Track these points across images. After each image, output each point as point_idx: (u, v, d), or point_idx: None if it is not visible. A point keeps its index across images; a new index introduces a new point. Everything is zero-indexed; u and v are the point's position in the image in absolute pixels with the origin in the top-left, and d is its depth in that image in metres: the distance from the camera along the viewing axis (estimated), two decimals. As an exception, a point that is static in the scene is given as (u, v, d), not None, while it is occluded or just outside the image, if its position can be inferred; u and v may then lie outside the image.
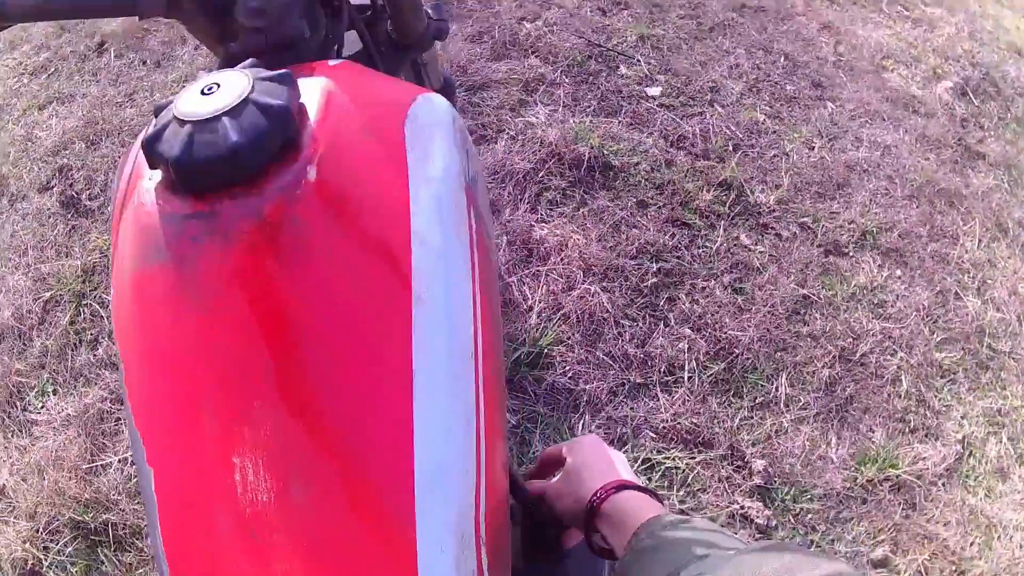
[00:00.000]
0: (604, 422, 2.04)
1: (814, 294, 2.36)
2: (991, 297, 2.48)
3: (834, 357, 2.22)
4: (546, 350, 2.15)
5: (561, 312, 2.23)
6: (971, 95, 3.27)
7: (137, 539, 1.87)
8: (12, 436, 2.11)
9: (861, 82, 3.22)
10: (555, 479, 0.95)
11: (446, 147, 0.75)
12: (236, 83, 0.61)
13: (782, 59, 3.23)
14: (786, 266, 2.42)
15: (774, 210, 2.58)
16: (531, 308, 2.24)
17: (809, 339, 2.26)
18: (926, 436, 2.12)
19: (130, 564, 1.84)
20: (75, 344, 2.29)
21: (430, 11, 1.26)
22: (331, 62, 0.79)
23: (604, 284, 2.30)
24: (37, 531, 1.90)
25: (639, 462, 1.97)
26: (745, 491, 1.94)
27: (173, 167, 0.58)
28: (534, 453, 1.95)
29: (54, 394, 2.19)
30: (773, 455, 2.01)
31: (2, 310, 2.40)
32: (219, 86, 0.61)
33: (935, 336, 2.34)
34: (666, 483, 1.94)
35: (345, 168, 0.63)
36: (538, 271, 2.33)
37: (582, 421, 2.03)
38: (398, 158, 0.69)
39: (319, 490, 0.57)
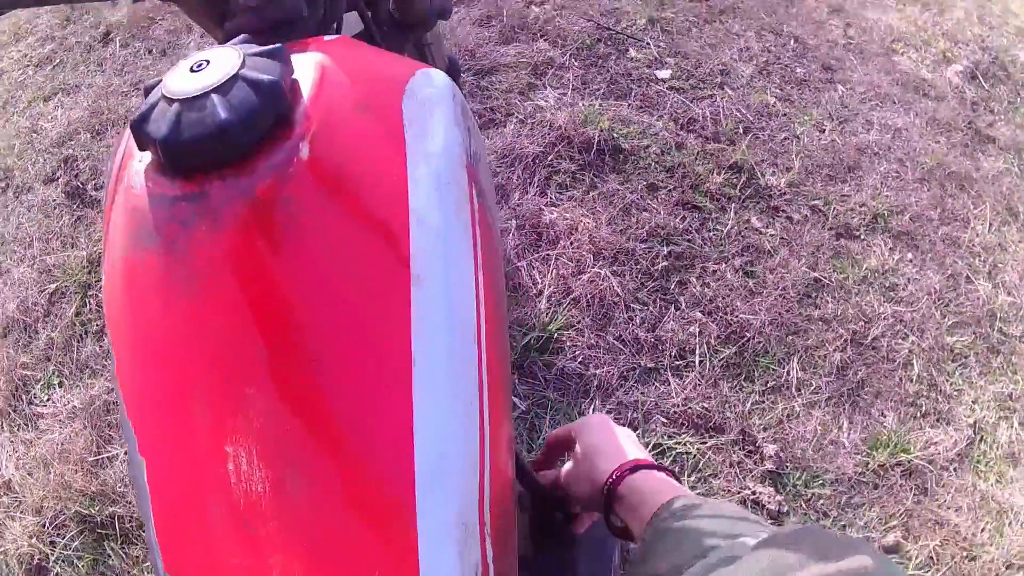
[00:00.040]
0: (615, 407, 2.02)
1: (825, 277, 2.34)
2: (1002, 281, 2.46)
3: (846, 341, 2.20)
4: (556, 335, 2.13)
5: (571, 296, 2.21)
6: (981, 79, 3.25)
7: (144, 532, 1.86)
8: (18, 430, 2.11)
9: (871, 65, 3.19)
10: (567, 465, 0.94)
11: (446, 123, 0.73)
12: (226, 59, 0.59)
13: (792, 42, 3.20)
14: (797, 249, 2.40)
15: (785, 193, 2.56)
16: (541, 292, 2.22)
17: (820, 323, 2.24)
18: (937, 421, 2.10)
19: (137, 557, 1.84)
20: (81, 336, 2.28)
21: None
22: (326, 38, 0.77)
23: (614, 268, 2.28)
24: (43, 526, 1.90)
25: (650, 447, 1.95)
26: (756, 476, 1.92)
27: (161, 147, 0.56)
28: (543, 439, 1.94)
29: (60, 386, 2.18)
30: (785, 440, 1.99)
31: (8, 303, 2.39)
32: (209, 63, 0.59)
33: (946, 320, 2.32)
34: (677, 469, 1.93)
35: (340, 145, 0.61)
36: (548, 255, 2.31)
37: (592, 406, 2.02)
38: (396, 135, 0.67)
39: (314, 479, 0.55)
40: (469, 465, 0.62)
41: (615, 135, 2.63)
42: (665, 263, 2.30)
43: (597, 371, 2.07)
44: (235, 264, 0.56)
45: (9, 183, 2.81)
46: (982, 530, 1.91)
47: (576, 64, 2.93)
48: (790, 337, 2.19)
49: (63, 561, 1.86)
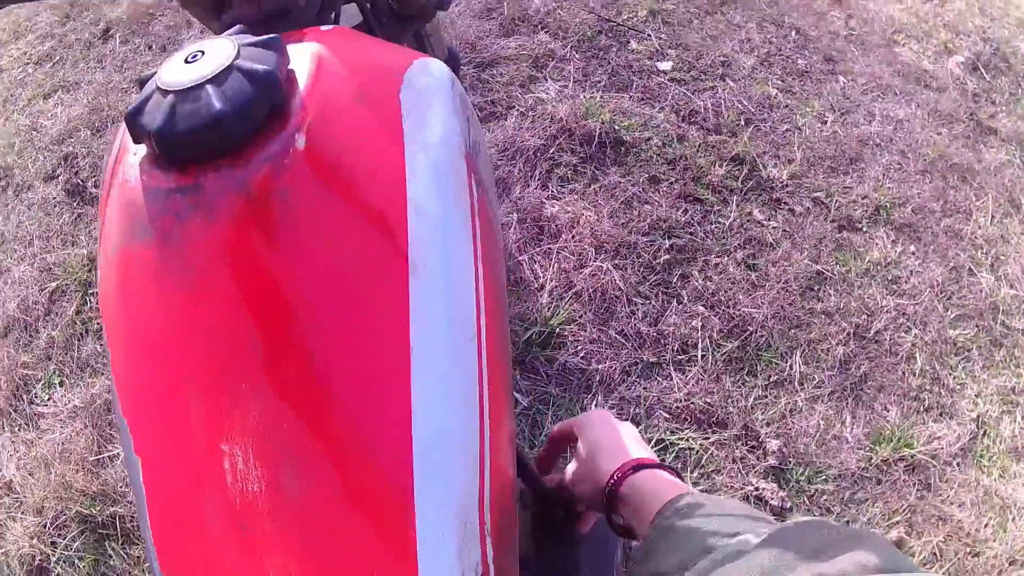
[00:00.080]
0: (617, 402, 2.02)
1: (828, 270, 2.34)
2: (1004, 273, 2.46)
3: (848, 334, 2.20)
4: (558, 329, 2.13)
5: (573, 290, 2.21)
6: (982, 70, 3.24)
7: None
8: (19, 430, 2.11)
9: (873, 56, 3.19)
10: (570, 465, 0.94)
11: (444, 113, 0.72)
12: (221, 50, 0.59)
13: (793, 33, 3.19)
14: (799, 242, 2.39)
15: (787, 185, 2.55)
16: (542, 287, 2.22)
17: (823, 316, 2.23)
18: (941, 415, 2.10)
19: (138, 558, 1.83)
20: (81, 334, 2.28)
21: None
22: (323, 28, 0.76)
23: (616, 261, 2.27)
24: (44, 526, 1.90)
25: (652, 443, 1.95)
26: (759, 472, 1.92)
27: (155, 139, 0.55)
28: (545, 435, 1.93)
29: (60, 385, 2.18)
30: (788, 435, 1.99)
31: (8, 302, 2.39)
32: (203, 54, 0.59)
33: (949, 313, 2.31)
34: (680, 464, 1.92)
35: (336, 135, 0.60)
36: (549, 249, 2.31)
37: (594, 402, 2.01)
38: (393, 124, 0.66)
39: (311, 478, 0.54)
40: (469, 462, 0.61)
41: (616, 127, 2.62)
42: (667, 256, 2.30)
43: (599, 366, 2.06)
44: (230, 257, 0.56)
45: (9, 181, 2.81)
46: (985, 525, 1.91)
47: (577, 56, 2.92)
48: (793, 331, 2.19)
49: (64, 562, 1.85)
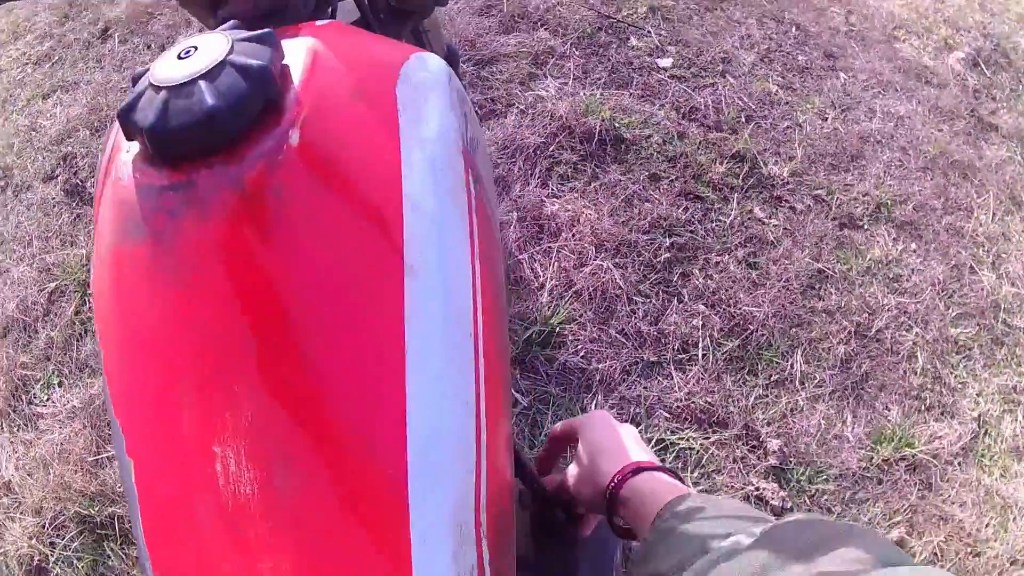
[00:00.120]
0: (617, 402, 2.01)
1: (829, 268, 2.33)
2: (1006, 271, 2.45)
3: (849, 333, 2.19)
4: (558, 328, 2.12)
5: (573, 289, 2.20)
6: (983, 66, 3.23)
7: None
8: (18, 431, 2.10)
9: (873, 52, 3.18)
10: (570, 467, 0.94)
11: (441, 108, 0.71)
12: (214, 45, 0.58)
13: (794, 29, 3.18)
14: (800, 240, 2.38)
15: (788, 182, 2.54)
16: (542, 286, 2.21)
17: (824, 314, 2.23)
18: (942, 414, 2.09)
19: (136, 558, 1.83)
20: (80, 334, 2.28)
21: None
22: (318, 22, 0.76)
23: (616, 260, 2.26)
24: (43, 527, 1.90)
25: (653, 443, 1.94)
26: (760, 472, 1.91)
27: (148, 136, 0.55)
28: (545, 435, 1.93)
29: (59, 386, 2.17)
30: (788, 434, 1.98)
31: (7, 302, 2.39)
32: (196, 49, 0.58)
33: (950, 311, 2.30)
34: (680, 464, 1.92)
35: (331, 131, 0.59)
36: (549, 247, 2.30)
37: (595, 401, 2.01)
38: (389, 120, 0.65)
39: (304, 480, 0.54)
40: (465, 464, 0.61)
41: (616, 125, 2.62)
42: (668, 255, 2.29)
43: (599, 365, 2.06)
44: (223, 255, 0.55)
45: (8, 181, 2.81)
46: (986, 525, 1.90)
47: (577, 53, 2.91)
48: (794, 329, 2.18)
49: (63, 562, 1.85)
